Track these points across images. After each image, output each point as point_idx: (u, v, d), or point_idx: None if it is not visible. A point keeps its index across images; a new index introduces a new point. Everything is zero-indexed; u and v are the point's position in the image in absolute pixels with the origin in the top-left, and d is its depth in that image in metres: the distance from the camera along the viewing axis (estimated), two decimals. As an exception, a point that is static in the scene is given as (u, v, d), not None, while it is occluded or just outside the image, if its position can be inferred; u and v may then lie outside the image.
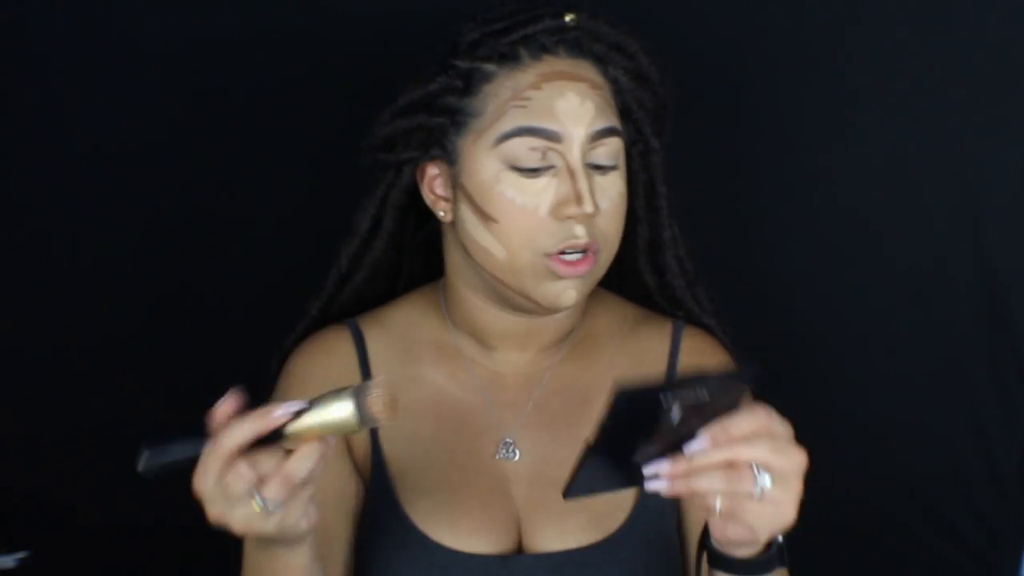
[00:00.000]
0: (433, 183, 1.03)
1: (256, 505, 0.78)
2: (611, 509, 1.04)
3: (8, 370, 1.43)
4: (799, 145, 1.46)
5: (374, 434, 1.05)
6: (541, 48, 0.98)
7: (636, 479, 0.82)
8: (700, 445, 0.80)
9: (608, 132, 0.98)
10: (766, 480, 0.78)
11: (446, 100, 0.99)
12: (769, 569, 0.87)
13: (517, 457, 1.05)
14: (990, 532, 1.51)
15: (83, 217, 1.40)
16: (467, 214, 0.99)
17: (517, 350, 1.07)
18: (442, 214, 1.03)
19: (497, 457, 1.05)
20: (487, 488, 1.04)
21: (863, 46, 1.42)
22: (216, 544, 1.29)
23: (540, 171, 0.96)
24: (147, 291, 1.43)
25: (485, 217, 0.97)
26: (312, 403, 0.80)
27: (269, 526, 0.80)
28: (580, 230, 0.96)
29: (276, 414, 0.79)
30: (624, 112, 1.02)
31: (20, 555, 1.39)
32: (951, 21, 1.40)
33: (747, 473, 0.79)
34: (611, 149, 0.99)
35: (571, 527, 1.03)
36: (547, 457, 1.05)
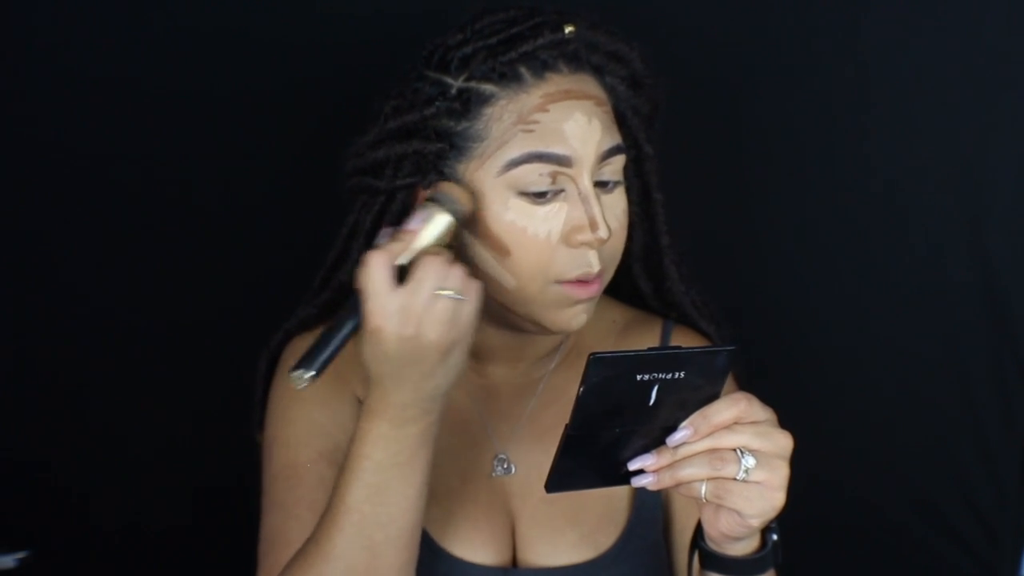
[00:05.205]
0: None
1: (446, 292, 0.84)
2: (605, 524, 1.03)
3: (7, 370, 1.43)
4: (798, 146, 1.46)
5: None
6: (543, 65, 0.92)
7: (620, 476, 0.83)
8: (682, 435, 0.81)
9: (615, 150, 0.95)
10: (750, 460, 0.79)
11: (443, 124, 0.93)
12: (763, 569, 0.86)
13: (514, 471, 1.05)
14: (990, 532, 1.51)
15: (81, 215, 1.40)
16: (471, 242, 0.94)
17: (509, 363, 1.05)
18: None
19: (493, 475, 1.04)
20: (488, 500, 1.03)
21: (861, 48, 1.42)
22: (217, 544, 1.30)
23: (549, 196, 0.92)
24: (147, 291, 1.43)
25: (494, 246, 0.93)
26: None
27: (464, 314, 0.86)
28: (593, 257, 0.93)
29: (411, 225, 0.87)
30: (619, 120, 0.98)
31: (20, 555, 1.39)
32: (951, 21, 1.40)
33: (730, 456, 0.80)
34: (616, 166, 0.96)
35: (564, 544, 1.02)
36: (541, 471, 1.02)
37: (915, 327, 1.48)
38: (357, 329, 0.86)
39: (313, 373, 0.85)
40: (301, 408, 1.01)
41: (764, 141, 1.46)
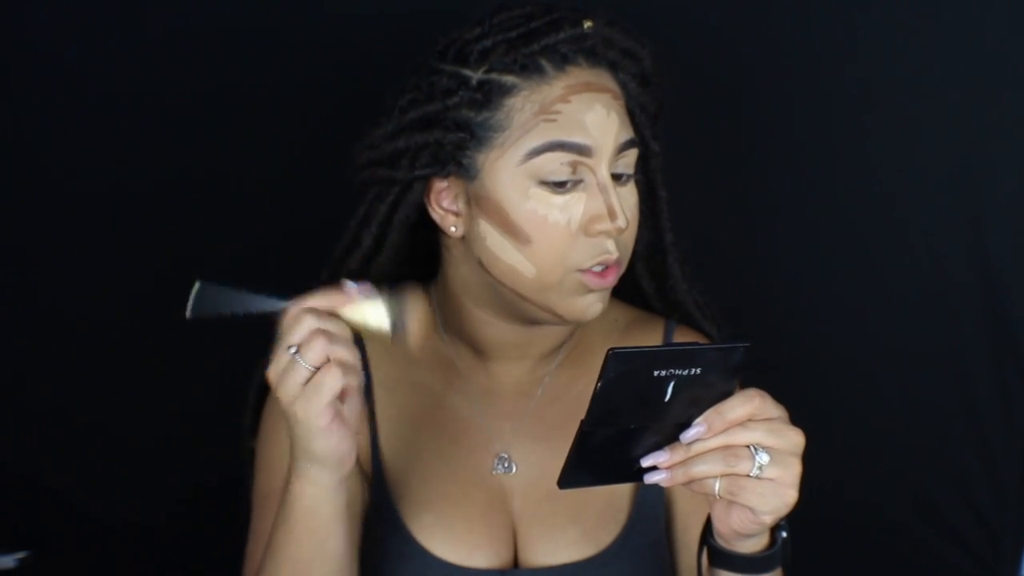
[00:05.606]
0: (440, 197, 0.99)
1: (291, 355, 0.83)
2: (606, 521, 1.04)
3: (6, 370, 1.43)
4: (798, 146, 1.46)
5: (374, 438, 1.04)
6: (563, 59, 0.94)
7: (632, 473, 0.83)
8: (696, 432, 0.80)
9: (631, 143, 0.97)
10: (763, 457, 0.79)
11: (463, 114, 0.94)
12: (772, 567, 0.87)
13: (515, 470, 1.05)
14: (990, 532, 1.51)
15: (80, 214, 1.40)
16: (489, 231, 0.95)
17: (514, 360, 1.06)
18: (453, 229, 0.99)
19: (494, 472, 1.05)
20: (486, 502, 1.03)
21: (862, 48, 1.42)
22: (216, 543, 1.30)
23: (569, 186, 0.93)
24: (146, 290, 1.43)
25: (515, 235, 0.94)
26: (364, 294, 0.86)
27: (304, 406, 0.83)
28: (611, 245, 0.95)
29: (350, 287, 0.86)
30: (629, 116, 1.00)
31: (20, 555, 1.39)
32: (951, 21, 1.40)
33: (744, 452, 0.80)
34: (630, 159, 0.97)
35: (565, 542, 1.02)
36: (543, 469, 1.03)
37: (915, 327, 1.48)
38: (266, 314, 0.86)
39: (187, 314, 0.86)
40: (284, 430, 1.01)
41: (764, 141, 1.46)
